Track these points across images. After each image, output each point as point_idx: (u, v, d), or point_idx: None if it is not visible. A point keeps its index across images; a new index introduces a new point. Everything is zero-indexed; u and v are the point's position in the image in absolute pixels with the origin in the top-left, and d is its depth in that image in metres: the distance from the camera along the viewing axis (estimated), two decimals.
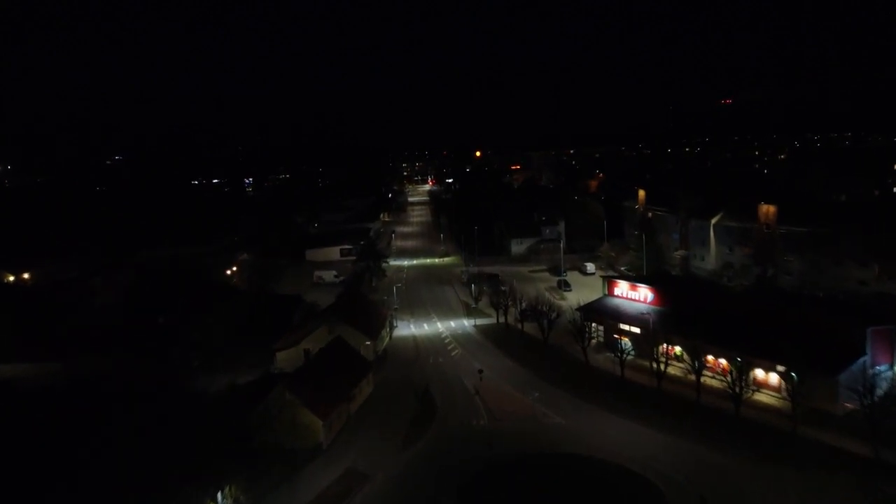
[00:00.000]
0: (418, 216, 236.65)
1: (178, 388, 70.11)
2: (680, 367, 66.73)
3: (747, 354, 61.85)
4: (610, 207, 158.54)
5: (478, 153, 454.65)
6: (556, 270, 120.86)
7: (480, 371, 67.87)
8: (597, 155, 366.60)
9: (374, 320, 79.49)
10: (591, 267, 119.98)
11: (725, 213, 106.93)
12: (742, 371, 60.75)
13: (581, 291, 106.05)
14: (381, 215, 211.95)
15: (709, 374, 64.29)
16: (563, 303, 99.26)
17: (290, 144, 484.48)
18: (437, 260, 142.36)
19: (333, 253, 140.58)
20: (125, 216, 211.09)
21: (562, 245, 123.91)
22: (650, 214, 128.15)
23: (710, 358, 65.80)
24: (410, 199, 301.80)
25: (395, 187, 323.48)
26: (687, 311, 72.05)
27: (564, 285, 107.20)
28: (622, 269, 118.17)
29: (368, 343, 73.23)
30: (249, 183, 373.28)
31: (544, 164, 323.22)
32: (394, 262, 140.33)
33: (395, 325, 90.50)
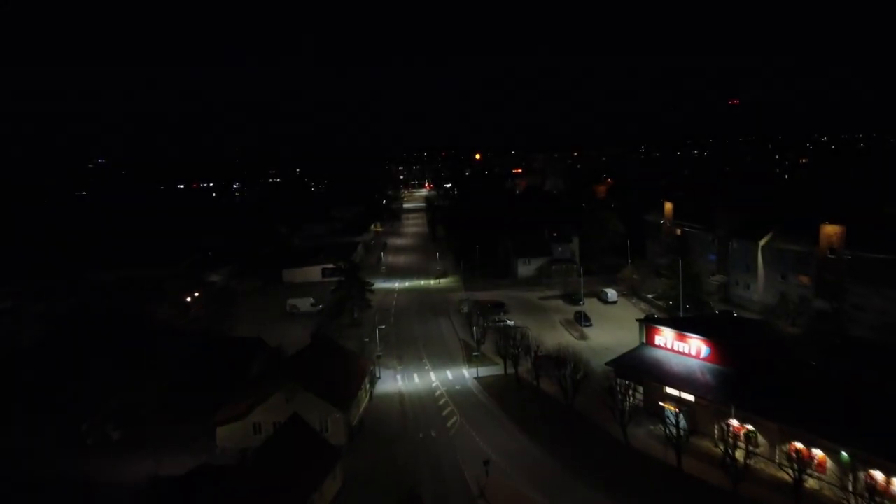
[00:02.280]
0: (414, 226, 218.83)
1: (79, 480, 53.14)
2: (760, 457, 49.76)
3: (856, 447, 44.61)
4: (628, 219, 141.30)
5: (477, 155, 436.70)
6: (571, 297, 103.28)
7: (486, 462, 50.18)
8: (603, 158, 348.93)
9: (349, 380, 61.72)
10: (612, 294, 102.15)
11: (777, 234, 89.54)
12: (851, 471, 43.92)
13: (604, 327, 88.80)
14: (373, 226, 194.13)
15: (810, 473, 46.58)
16: (583, 343, 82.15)
17: (285, 145, 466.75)
18: (432, 282, 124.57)
19: (314, 273, 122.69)
20: (91, 226, 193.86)
21: (580, 269, 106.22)
22: (679, 231, 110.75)
23: (797, 446, 48.34)
24: (406, 206, 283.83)
25: (390, 192, 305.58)
26: (758, 373, 54.68)
27: (584, 319, 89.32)
28: (649, 296, 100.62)
29: (339, 415, 55.60)
30: (238, 187, 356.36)
31: (548, 167, 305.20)
32: (383, 285, 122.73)
33: (377, 376, 72.93)
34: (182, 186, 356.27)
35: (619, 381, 62.76)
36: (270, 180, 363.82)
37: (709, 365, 58.62)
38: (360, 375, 64.36)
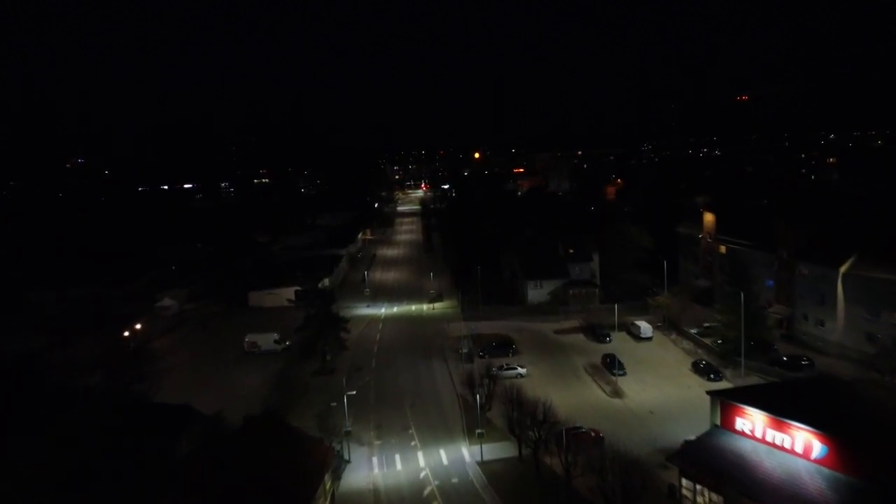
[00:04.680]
0: (407, 232, 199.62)
1: None
2: None
3: None
4: (651, 230, 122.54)
5: (477, 154, 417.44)
6: (594, 331, 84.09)
7: None
8: (610, 157, 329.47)
9: (297, 489, 42.44)
10: (645, 328, 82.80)
11: (862, 258, 70.55)
12: None
13: (642, 375, 69.73)
14: (361, 234, 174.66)
15: None
16: (618, 403, 63.32)
17: (279, 145, 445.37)
18: (425, 307, 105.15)
19: (285, 297, 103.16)
20: (49, 235, 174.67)
21: (607, 296, 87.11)
22: (724, 249, 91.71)
23: None
24: (400, 209, 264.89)
25: (384, 194, 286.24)
26: None
27: (616, 365, 70.05)
28: (692, 331, 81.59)
29: None
30: (225, 188, 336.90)
31: (552, 167, 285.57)
32: (366, 311, 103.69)
33: (346, 460, 53.89)
34: (166, 187, 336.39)
35: (686, 484, 44.15)
36: (256, 181, 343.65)
37: (826, 471, 39.50)
38: (315, 474, 45.12)
